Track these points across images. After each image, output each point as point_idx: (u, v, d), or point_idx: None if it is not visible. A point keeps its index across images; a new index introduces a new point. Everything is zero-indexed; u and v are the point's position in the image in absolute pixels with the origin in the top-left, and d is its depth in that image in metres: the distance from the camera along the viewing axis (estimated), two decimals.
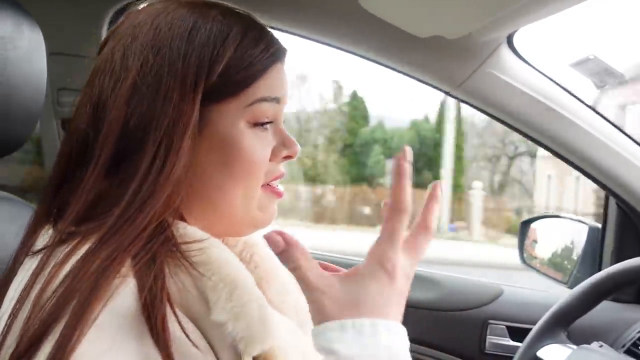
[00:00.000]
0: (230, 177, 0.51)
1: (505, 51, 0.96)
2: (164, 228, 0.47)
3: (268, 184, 0.55)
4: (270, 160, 0.54)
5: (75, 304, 0.40)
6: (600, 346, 0.90)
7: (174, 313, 0.43)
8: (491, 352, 1.16)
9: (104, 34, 1.10)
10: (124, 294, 0.42)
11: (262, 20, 0.55)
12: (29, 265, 0.47)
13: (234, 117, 0.51)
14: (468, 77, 0.98)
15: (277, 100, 0.54)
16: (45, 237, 0.49)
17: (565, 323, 0.90)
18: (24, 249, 0.50)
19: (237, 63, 0.50)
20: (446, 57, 0.97)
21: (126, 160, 0.48)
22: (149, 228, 0.45)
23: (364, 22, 0.91)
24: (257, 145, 0.52)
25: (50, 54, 0.73)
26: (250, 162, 0.52)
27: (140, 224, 0.45)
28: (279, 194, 0.56)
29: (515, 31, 0.92)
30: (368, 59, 1.01)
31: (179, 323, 0.43)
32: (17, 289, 0.45)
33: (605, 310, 1.10)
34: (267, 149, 0.54)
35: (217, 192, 0.52)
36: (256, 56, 0.51)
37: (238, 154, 0.51)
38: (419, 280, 1.23)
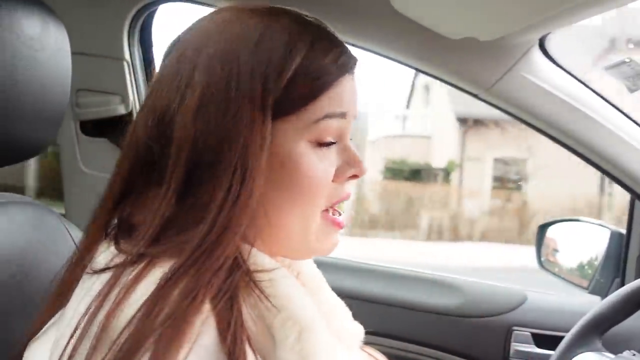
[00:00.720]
0: (288, 199, 0.48)
1: (537, 54, 0.94)
2: (239, 262, 0.45)
3: (328, 213, 0.52)
4: (333, 180, 0.51)
5: (158, 344, 0.37)
6: (634, 355, 0.88)
7: (254, 352, 0.41)
8: (516, 359, 1.14)
9: (125, 33, 1.08)
10: (207, 333, 0.40)
11: None
12: (89, 285, 0.44)
13: (296, 134, 0.48)
14: (498, 80, 0.96)
15: (343, 115, 0.50)
16: (106, 254, 0.46)
17: (601, 330, 0.88)
18: (80, 264, 0.47)
19: (303, 75, 0.47)
20: (477, 59, 0.95)
21: (197, 183, 0.45)
22: (228, 262, 0.43)
23: (396, 24, 0.89)
24: (318, 165, 0.49)
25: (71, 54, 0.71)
26: (309, 183, 0.48)
27: (220, 257, 0.42)
28: (339, 225, 0.53)
29: (548, 33, 0.91)
30: (397, 60, 0.99)
31: None
32: (77, 309, 0.43)
33: (634, 317, 1.08)
34: (330, 169, 0.50)
35: (275, 216, 0.48)
36: (323, 67, 0.48)
37: (297, 174, 0.48)
38: (440, 285, 1.21)
